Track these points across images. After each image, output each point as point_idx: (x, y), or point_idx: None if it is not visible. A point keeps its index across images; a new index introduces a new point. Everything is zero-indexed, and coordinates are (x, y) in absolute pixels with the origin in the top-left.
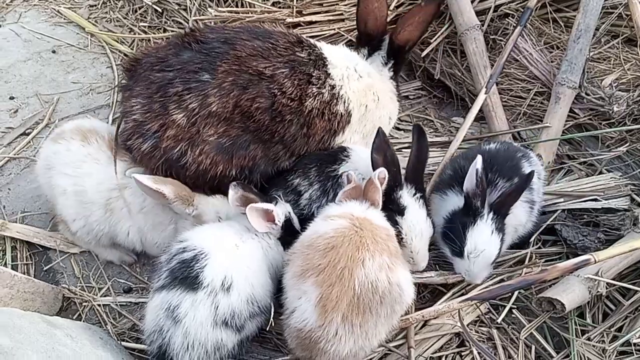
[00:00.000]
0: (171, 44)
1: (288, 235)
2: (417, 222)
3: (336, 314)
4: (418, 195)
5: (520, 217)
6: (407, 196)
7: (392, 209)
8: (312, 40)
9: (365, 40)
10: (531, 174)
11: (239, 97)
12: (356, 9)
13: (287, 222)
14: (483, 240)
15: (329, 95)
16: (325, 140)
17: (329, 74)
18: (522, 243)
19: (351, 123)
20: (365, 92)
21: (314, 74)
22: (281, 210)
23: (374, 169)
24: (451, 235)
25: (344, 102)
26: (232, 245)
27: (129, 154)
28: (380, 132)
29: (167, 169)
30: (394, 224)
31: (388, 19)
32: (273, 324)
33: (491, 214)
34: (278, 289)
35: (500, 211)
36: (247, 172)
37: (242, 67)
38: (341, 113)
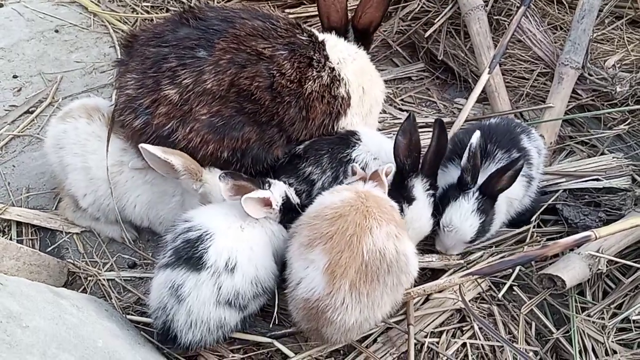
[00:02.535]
0: (169, 20)
1: (289, 214)
2: (420, 217)
3: (344, 281)
4: (430, 191)
5: (516, 190)
6: (419, 188)
7: (402, 195)
8: (307, 27)
9: (332, 32)
10: (519, 159)
11: (236, 75)
12: (317, 5)
13: (286, 202)
14: (459, 217)
15: (329, 79)
16: (326, 124)
17: (328, 57)
18: (522, 221)
19: (352, 105)
20: (362, 73)
21: (314, 57)
22: (277, 192)
23: (395, 152)
24: (439, 206)
25: (345, 85)
26: (237, 226)
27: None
28: (411, 116)
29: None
30: (399, 209)
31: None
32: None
33: (477, 193)
34: (280, 272)
35: (487, 192)
36: (239, 154)
37: (241, 46)
38: (342, 96)
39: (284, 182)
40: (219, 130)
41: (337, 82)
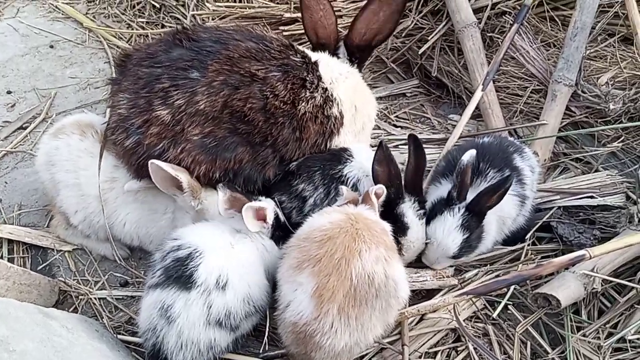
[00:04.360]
0: (162, 41)
1: (279, 231)
2: (416, 240)
3: (332, 305)
4: (420, 211)
5: (509, 209)
6: (409, 212)
7: (395, 225)
8: (299, 47)
9: (321, 49)
10: (509, 177)
11: (229, 97)
12: (302, 22)
13: (277, 218)
14: (442, 231)
15: (322, 99)
16: (319, 143)
17: (320, 77)
18: (516, 239)
19: (344, 124)
20: (354, 91)
21: (307, 78)
22: (270, 208)
23: (375, 182)
24: (427, 219)
25: (337, 105)
26: (227, 243)
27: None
28: (383, 145)
29: (147, 166)
30: (396, 241)
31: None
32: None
33: (463, 210)
34: (273, 290)
35: (474, 210)
36: (232, 175)
37: (234, 68)
38: (335, 115)
39: (274, 200)
40: (211, 151)
41: (330, 102)
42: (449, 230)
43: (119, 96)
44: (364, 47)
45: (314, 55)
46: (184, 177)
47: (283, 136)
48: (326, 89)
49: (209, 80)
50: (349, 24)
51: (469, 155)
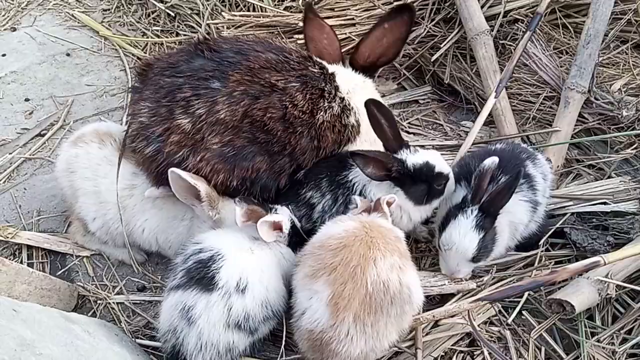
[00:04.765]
0: (184, 51)
1: (295, 239)
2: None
3: (348, 313)
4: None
5: (520, 215)
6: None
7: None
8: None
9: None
10: (519, 173)
11: (249, 107)
12: (306, 50)
13: (293, 226)
14: (458, 234)
15: (339, 108)
16: (335, 152)
17: (338, 87)
18: (529, 245)
19: (361, 133)
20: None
21: (325, 88)
22: (286, 217)
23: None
24: (441, 226)
25: (354, 114)
26: (247, 248)
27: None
28: (367, 105)
29: (167, 174)
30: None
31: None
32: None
33: (476, 211)
34: (289, 296)
35: (489, 210)
36: (249, 184)
37: (255, 78)
38: (352, 124)
39: (287, 206)
40: (229, 160)
41: (348, 112)
42: (465, 231)
43: (140, 105)
44: (368, 67)
45: (331, 67)
46: (202, 186)
47: (301, 145)
48: (343, 98)
49: (230, 90)
50: (363, 33)
51: (491, 161)
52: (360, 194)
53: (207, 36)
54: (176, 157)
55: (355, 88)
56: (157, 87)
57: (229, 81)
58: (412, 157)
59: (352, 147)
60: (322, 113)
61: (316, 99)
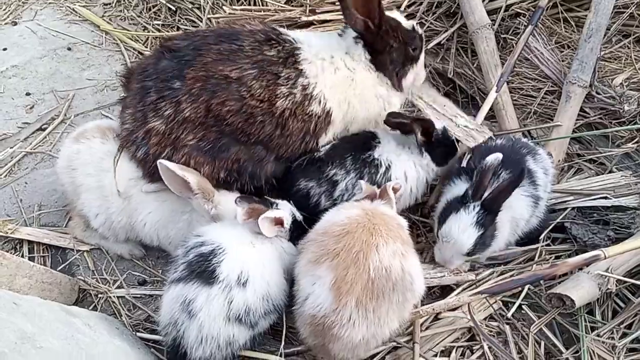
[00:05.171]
0: (154, 54)
1: (297, 232)
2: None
3: (350, 297)
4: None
5: (521, 211)
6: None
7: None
8: (287, 34)
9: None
10: (522, 171)
11: (208, 102)
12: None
13: (294, 221)
14: (457, 228)
15: (301, 96)
16: (308, 140)
17: (301, 70)
18: (530, 240)
19: (334, 122)
20: (344, 87)
21: (282, 74)
22: (287, 212)
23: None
24: (441, 217)
25: (319, 102)
26: (249, 242)
27: None
28: None
29: (159, 173)
30: None
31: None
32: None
33: (477, 207)
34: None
35: (491, 207)
36: (236, 174)
37: (209, 72)
38: (317, 114)
39: (287, 201)
40: (208, 153)
41: (310, 99)
42: (464, 227)
43: (125, 112)
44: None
45: (302, 44)
46: (191, 177)
47: (265, 133)
48: (307, 85)
49: (189, 88)
50: None
51: (494, 157)
52: (386, 172)
53: (168, 37)
54: (162, 157)
55: (327, 69)
56: (134, 93)
57: (187, 79)
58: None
59: (323, 140)
60: (281, 100)
61: (273, 86)
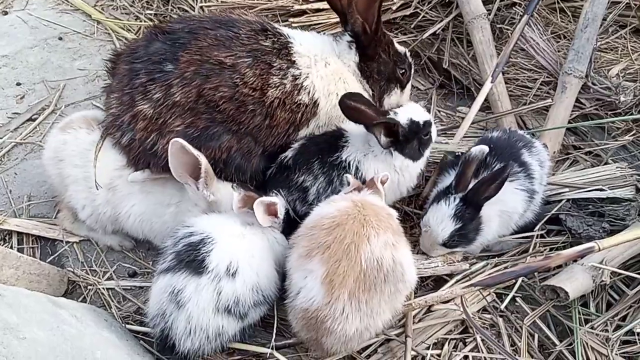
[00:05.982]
0: (144, 36)
1: (289, 226)
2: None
3: (343, 290)
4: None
5: (515, 204)
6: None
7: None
8: (281, 29)
9: (343, 19)
10: (505, 167)
11: (201, 87)
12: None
13: (287, 214)
14: (435, 219)
15: (291, 86)
16: (290, 132)
17: (294, 62)
18: (526, 232)
19: (318, 114)
20: (334, 80)
21: (275, 64)
22: (281, 203)
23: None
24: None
25: (308, 92)
26: (239, 233)
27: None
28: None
29: (144, 160)
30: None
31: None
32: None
33: (458, 200)
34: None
35: (472, 200)
36: (222, 164)
37: (204, 57)
38: (305, 103)
39: (275, 192)
40: (194, 141)
41: (298, 90)
42: (441, 218)
43: (110, 97)
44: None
45: (295, 38)
46: (204, 159)
47: (255, 123)
48: (298, 75)
49: (182, 72)
50: None
51: (478, 150)
52: (356, 172)
53: (162, 20)
54: (148, 142)
55: (319, 63)
56: (121, 76)
57: (180, 62)
58: (399, 118)
59: (304, 132)
60: (272, 90)
61: (266, 75)
